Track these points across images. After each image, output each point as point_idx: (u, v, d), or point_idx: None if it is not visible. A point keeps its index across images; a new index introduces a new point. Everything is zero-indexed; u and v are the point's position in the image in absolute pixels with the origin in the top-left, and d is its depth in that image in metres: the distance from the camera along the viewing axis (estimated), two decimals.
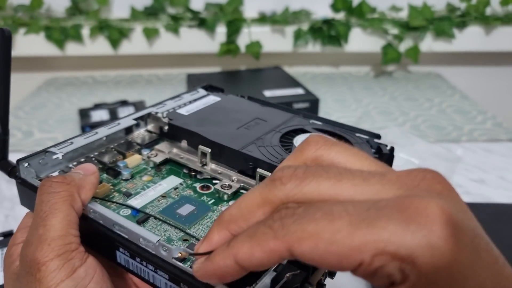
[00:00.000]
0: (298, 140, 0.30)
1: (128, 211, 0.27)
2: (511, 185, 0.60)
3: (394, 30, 0.94)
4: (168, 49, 0.96)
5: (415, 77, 1.01)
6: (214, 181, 0.30)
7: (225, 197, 0.28)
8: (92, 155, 0.32)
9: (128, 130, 0.35)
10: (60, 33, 0.92)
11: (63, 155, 0.30)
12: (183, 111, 0.36)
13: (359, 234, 0.16)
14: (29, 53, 0.94)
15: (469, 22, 0.95)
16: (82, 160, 0.31)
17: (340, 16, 0.98)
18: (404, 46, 0.95)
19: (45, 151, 0.30)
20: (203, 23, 0.93)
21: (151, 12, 0.97)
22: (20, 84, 0.96)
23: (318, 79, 1.00)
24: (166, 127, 0.34)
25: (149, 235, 0.23)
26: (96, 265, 0.24)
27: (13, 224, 0.52)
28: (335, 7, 0.96)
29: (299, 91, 0.78)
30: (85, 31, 0.94)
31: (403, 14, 0.99)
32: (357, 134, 0.32)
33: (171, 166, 0.32)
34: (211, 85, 0.41)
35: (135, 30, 0.94)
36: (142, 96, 0.90)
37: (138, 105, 0.78)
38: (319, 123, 0.34)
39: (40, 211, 0.23)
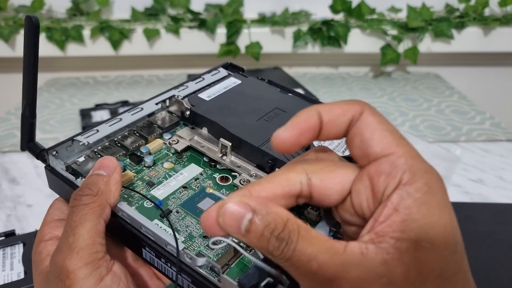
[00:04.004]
0: (316, 141, 0.30)
1: (151, 203, 0.28)
2: (509, 185, 0.60)
3: (393, 31, 0.95)
4: (168, 50, 0.96)
5: (414, 77, 1.01)
6: (233, 173, 0.31)
7: None
8: (115, 138, 0.33)
9: (150, 112, 0.36)
10: (61, 34, 0.93)
11: (88, 142, 0.31)
12: (204, 95, 0.36)
13: None
14: None
15: (468, 23, 0.95)
16: (106, 144, 0.32)
17: (339, 17, 0.99)
18: (403, 47, 0.95)
19: (71, 140, 0.31)
20: (203, 24, 0.94)
21: (151, 13, 0.97)
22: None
23: (318, 80, 1.00)
24: (188, 112, 0.35)
25: (175, 242, 0.24)
26: (121, 273, 0.25)
27: (15, 224, 0.53)
28: (334, 8, 0.96)
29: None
30: (86, 32, 0.94)
31: (402, 15, 1.00)
32: None
33: (191, 152, 0.33)
34: (231, 63, 0.42)
35: (136, 31, 0.95)
36: (143, 96, 0.90)
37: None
38: None
39: (71, 220, 0.25)
